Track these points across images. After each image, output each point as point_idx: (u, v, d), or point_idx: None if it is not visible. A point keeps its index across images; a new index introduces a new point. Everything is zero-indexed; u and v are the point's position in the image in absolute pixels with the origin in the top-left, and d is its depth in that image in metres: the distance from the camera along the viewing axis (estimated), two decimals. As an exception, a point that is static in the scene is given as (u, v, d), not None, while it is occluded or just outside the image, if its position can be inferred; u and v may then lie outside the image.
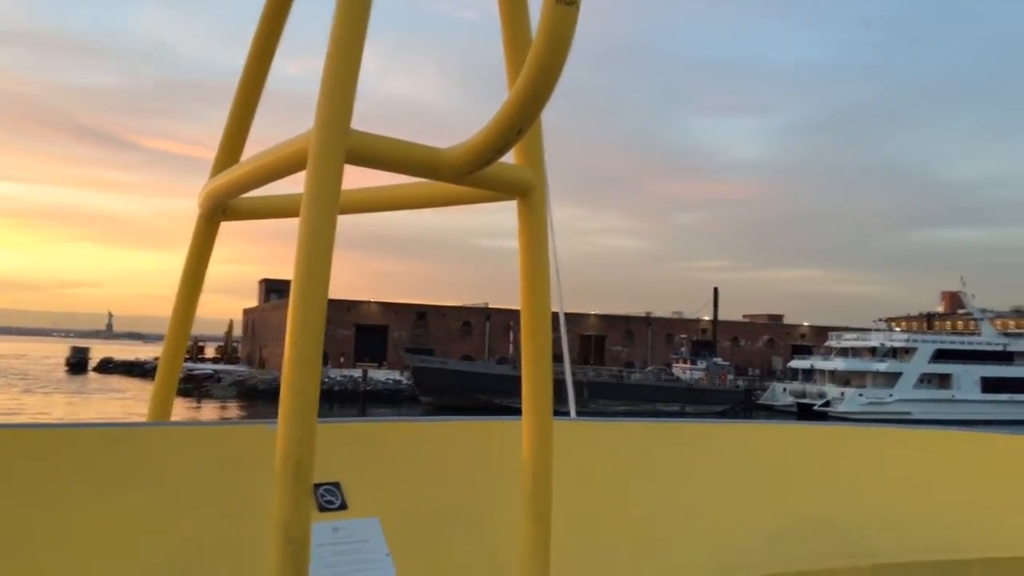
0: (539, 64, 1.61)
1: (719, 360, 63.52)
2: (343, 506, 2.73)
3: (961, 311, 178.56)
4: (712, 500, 3.32)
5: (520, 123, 1.71)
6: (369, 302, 70.33)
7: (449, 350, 68.10)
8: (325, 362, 64.97)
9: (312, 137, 1.96)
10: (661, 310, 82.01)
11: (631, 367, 70.92)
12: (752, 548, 3.20)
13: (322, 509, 2.67)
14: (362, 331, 68.59)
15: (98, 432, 2.78)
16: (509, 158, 2.08)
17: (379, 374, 63.40)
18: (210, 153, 3.24)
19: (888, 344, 61.43)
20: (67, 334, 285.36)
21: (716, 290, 68.78)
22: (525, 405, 2.26)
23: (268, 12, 2.80)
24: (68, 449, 2.60)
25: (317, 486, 2.64)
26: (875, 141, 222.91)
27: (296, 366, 2.01)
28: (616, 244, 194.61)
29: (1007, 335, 67.65)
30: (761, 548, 3.20)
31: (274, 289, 79.82)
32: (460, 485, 3.06)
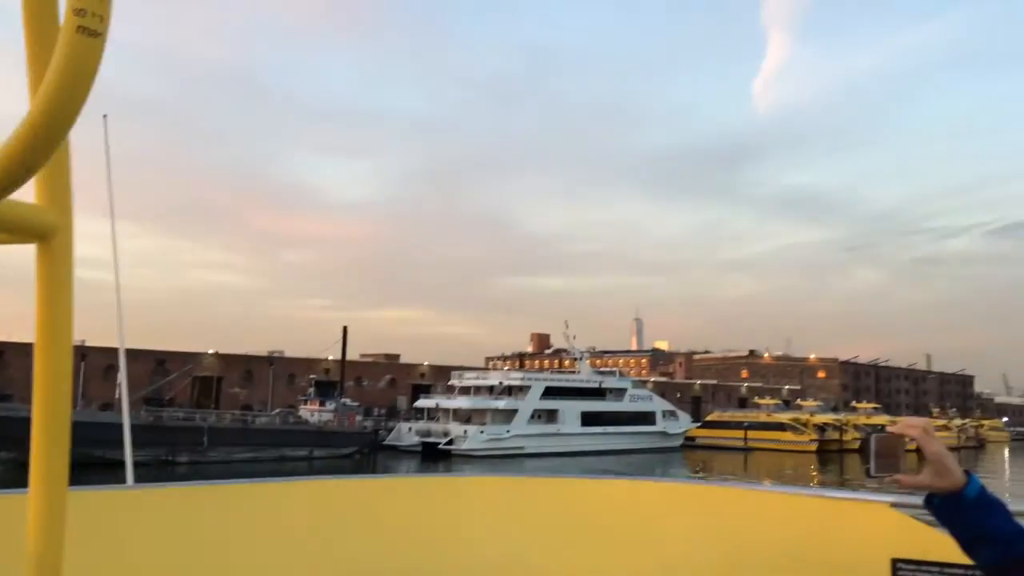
0: (54, 98, 1.39)
1: (348, 401, 62.06)
2: None
3: (548, 350, 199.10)
4: (252, 562, 3.25)
5: (29, 161, 1.45)
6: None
7: (31, 395, 57.95)
8: None
9: None
10: (264, 348, 78.15)
11: (250, 410, 66.55)
12: None
13: None
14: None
15: None
16: (28, 195, 1.66)
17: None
18: None
19: (505, 383, 65.14)
20: None
21: (345, 329, 67.56)
22: (34, 475, 1.77)
23: None
24: None
25: None
26: (472, 192, 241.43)
27: None
28: (218, 279, 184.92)
29: (600, 373, 75.76)
30: None
31: None
32: None
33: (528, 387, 64.68)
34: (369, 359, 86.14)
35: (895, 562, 2.56)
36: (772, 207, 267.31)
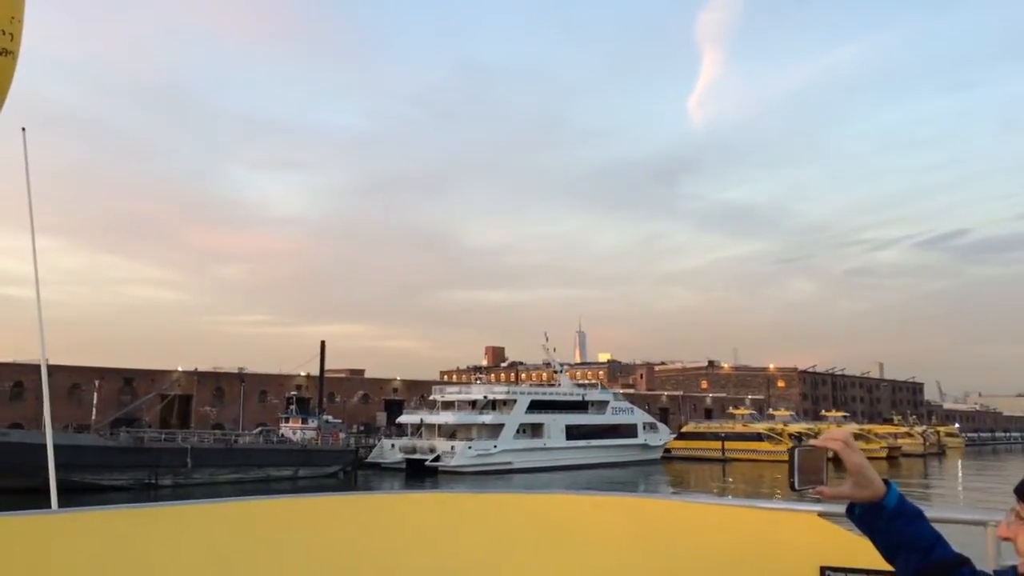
0: None
1: (330, 418, 60.10)
2: None
3: (503, 363, 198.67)
4: None
5: None
6: None
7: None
8: None
9: None
10: (204, 365, 74.34)
11: (221, 428, 64.14)
12: None
13: None
14: None
15: None
16: None
17: None
18: None
19: (490, 396, 63.91)
20: None
21: (323, 344, 65.50)
22: None
23: None
24: None
25: None
26: (410, 207, 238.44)
27: None
28: (151, 295, 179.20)
29: (581, 386, 75.04)
30: None
31: None
32: None
33: (513, 401, 63.57)
34: (341, 374, 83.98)
35: (823, 570, 2.65)
36: (710, 220, 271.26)
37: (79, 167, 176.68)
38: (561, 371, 73.06)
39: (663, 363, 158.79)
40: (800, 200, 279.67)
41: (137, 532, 3.04)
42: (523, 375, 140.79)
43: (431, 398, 66.72)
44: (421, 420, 62.04)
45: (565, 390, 70.09)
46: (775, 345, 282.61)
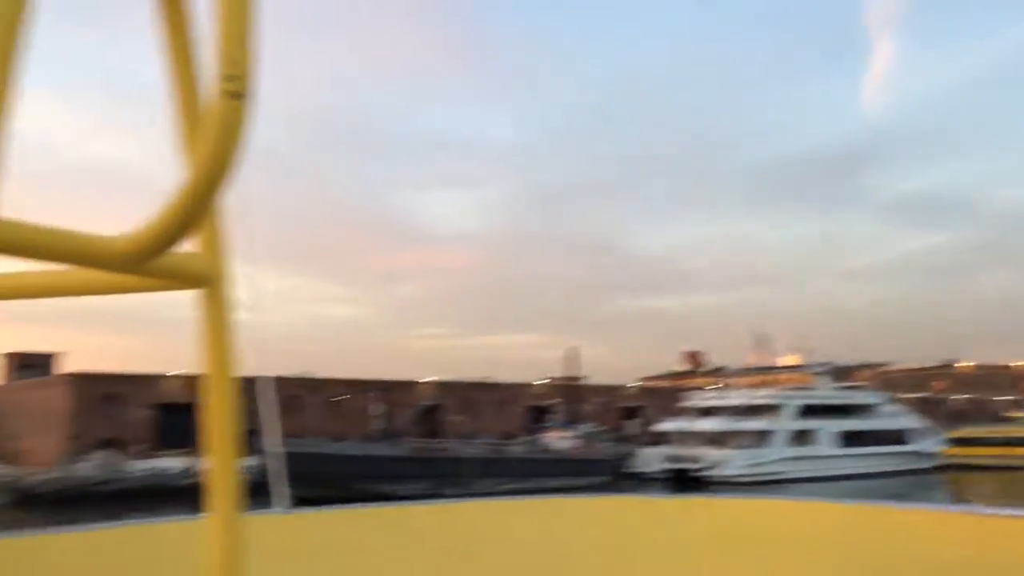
0: (209, 159, 1.52)
1: (593, 426, 58.43)
2: None
3: (702, 369, 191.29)
4: None
5: (191, 218, 1.58)
6: (173, 376, 57.15)
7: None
8: (123, 449, 51.50)
9: None
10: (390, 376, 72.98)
11: (470, 439, 64.09)
12: None
13: None
14: (167, 412, 55.26)
15: None
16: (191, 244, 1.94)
17: (174, 462, 50.55)
18: None
19: (753, 402, 60.14)
20: None
21: (575, 350, 64.20)
22: (212, 502, 1.85)
23: None
24: None
25: None
26: (580, 215, 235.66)
27: None
28: (332, 313, 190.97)
29: (846, 388, 69.58)
30: None
31: (27, 364, 63.41)
32: None
33: (780, 406, 59.45)
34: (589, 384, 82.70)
35: None
36: (893, 212, 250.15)
37: (260, 197, 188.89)
38: (823, 374, 68.03)
39: (884, 364, 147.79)
40: (995, 185, 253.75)
41: (369, 530, 3.19)
42: (727, 380, 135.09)
43: (686, 405, 63.69)
44: (683, 427, 59.05)
45: (829, 393, 65.10)
46: (977, 339, 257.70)
